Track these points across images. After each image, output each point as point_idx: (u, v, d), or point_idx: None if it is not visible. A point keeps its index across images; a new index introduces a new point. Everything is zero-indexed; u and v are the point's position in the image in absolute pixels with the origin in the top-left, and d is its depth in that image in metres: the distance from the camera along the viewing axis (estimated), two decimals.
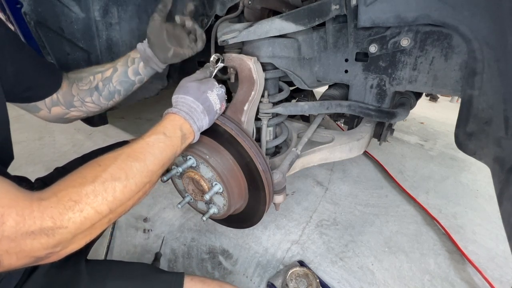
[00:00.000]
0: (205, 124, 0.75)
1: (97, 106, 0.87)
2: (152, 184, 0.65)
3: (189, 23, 0.84)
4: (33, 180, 0.87)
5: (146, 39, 0.81)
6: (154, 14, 0.78)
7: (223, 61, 0.90)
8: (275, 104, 1.04)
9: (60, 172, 0.93)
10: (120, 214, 0.57)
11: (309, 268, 1.19)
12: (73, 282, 0.69)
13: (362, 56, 0.95)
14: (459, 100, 0.83)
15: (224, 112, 0.90)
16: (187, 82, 0.75)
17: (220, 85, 0.80)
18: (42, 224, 0.44)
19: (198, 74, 0.80)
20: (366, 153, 2.22)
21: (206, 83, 0.76)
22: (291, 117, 1.39)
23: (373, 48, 0.89)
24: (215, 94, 0.76)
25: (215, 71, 0.86)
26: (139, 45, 0.83)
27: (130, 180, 0.56)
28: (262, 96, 0.97)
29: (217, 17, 1.06)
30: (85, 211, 0.49)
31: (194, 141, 0.75)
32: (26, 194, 0.45)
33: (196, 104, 0.72)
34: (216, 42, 1.00)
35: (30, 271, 0.67)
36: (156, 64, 0.84)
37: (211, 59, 0.87)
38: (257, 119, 1.02)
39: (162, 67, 0.86)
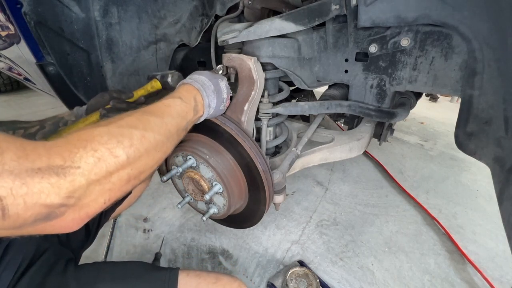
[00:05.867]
0: (213, 104, 0.76)
1: None
2: (171, 147, 0.60)
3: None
4: None
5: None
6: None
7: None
8: (275, 104, 1.04)
9: None
10: (139, 172, 0.49)
11: (309, 268, 1.19)
12: None
13: (362, 56, 0.95)
14: (459, 100, 0.83)
15: (224, 112, 0.90)
16: (200, 71, 0.79)
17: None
18: (50, 162, 0.37)
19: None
20: (366, 153, 2.22)
21: (217, 74, 0.82)
22: (291, 117, 1.39)
23: (373, 48, 0.89)
24: (225, 84, 0.81)
25: None
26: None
27: (148, 132, 0.51)
28: (262, 96, 0.97)
29: (217, 17, 1.06)
30: (98, 151, 0.42)
31: (202, 118, 0.75)
32: (25, 138, 0.39)
33: (209, 82, 0.75)
34: (216, 42, 1.00)
35: (15, 282, 0.64)
36: None
37: (217, 68, 0.92)
38: (257, 119, 1.02)
39: None
